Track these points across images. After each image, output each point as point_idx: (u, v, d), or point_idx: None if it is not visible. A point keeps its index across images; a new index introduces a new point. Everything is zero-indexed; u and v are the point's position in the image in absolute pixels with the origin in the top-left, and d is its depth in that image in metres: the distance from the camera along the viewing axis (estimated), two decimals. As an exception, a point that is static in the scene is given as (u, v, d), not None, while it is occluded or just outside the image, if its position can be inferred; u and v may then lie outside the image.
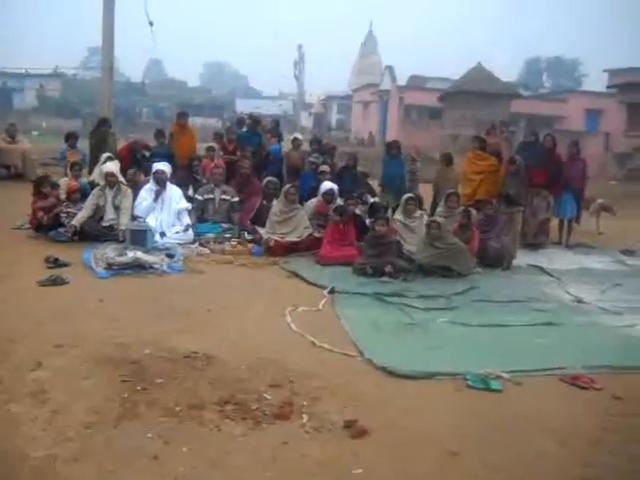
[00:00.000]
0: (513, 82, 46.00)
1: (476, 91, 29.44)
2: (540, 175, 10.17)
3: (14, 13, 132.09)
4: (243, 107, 54.83)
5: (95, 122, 13.42)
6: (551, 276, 8.35)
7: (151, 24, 17.78)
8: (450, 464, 3.45)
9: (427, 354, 5.15)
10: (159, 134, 12.00)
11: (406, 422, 3.90)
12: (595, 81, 49.75)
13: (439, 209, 9.41)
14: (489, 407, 4.19)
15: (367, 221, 9.14)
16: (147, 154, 11.41)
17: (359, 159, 11.97)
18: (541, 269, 8.72)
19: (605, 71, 33.79)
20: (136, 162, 11.11)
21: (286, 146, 12.44)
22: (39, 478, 3.11)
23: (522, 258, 9.14)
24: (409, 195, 9.20)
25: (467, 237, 8.39)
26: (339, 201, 9.20)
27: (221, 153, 11.60)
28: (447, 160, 11.34)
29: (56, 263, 7.19)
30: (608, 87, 32.11)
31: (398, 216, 8.94)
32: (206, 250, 8.57)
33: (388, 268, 7.62)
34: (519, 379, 4.66)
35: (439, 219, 8.50)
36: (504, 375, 4.66)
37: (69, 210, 8.71)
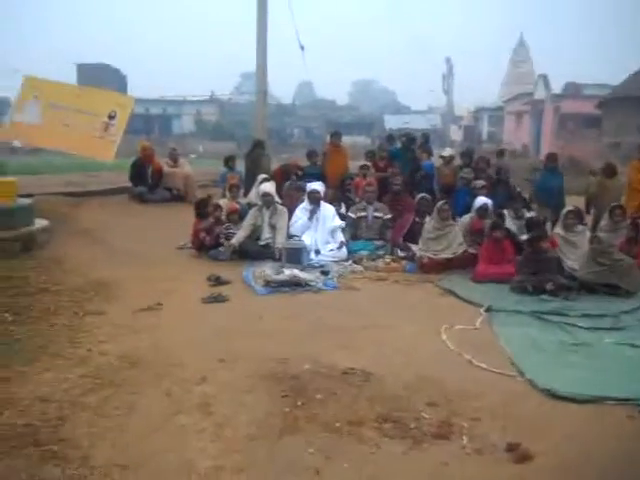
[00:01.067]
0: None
1: (638, 96, 27.80)
2: None
3: (170, 43, 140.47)
4: (392, 123, 55.13)
5: (250, 144, 13.93)
6: None
7: (302, 48, 18.31)
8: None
9: (593, 376, 4.86)
10: (312, 154, 12.28)
11: (573, 448, 3.70)
12: None
13: (603, 222, 8.93)
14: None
15: (523, 237, 8.83)
16: (299, 173, 11.67)
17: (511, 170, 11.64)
18: None
19: None
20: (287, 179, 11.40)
21: (437, 161, 12.34)
22: (207, 487, 3.24)
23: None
24: (569, 208, 8.79)
25: (635, 252, 7.89)
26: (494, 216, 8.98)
27: (372, 171, 11.68)
28: (611, 171, 10.74)
29: (218, 281, 7.51)
30: None
31: (558, 230, 8.57)
32: (360, 267, 8.63)
33: (549, 285, 7.31)
34: (699, 406, 4.30)
35: (602, 234, 8.07)
36: (682, 401, 4.32)
37: (229, 231, 9.09)
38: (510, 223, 9.03)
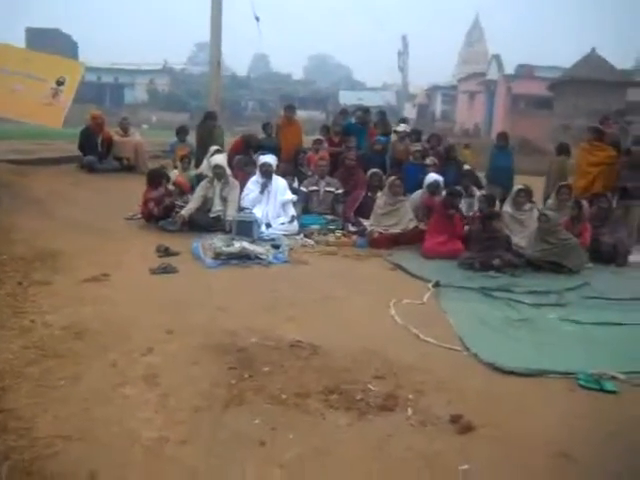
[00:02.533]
0: (629, 70, 43.90)
1: (589, 79, 28.28)
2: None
3: (124, 11, 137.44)
4: (346, 99, 55.04)
5: (202, 116, 13.76)
6: (670, 273, 7.92)
7: (257, 19, 18.11)
8: (562, 466, 3.31)
9: (536, 351, 4.97)
10: (267, 127, 12.17)
11: (515, 420, 3.78)
12: None
13: (550, 201, 9.11)
14: (604, 409, 3.99)
15: (472, 213, 8.95)
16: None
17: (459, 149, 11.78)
18: (659, 266, 8.28)
19: None
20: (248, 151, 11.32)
21: (392, 136, 12.36)
22: (151, 458, 3.20)
23: (638, 254, 8.71)
24: (520, 187, 8.93)
25: (578, 230, 8.07)
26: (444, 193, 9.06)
27: (326, 145, 11.66)
28: (564, 150, 10.93)
29: (166, 252, 7.43)
30: None
31: (507, 208, 8.70)
32: (310, 241, 8.65)
33: (496, 262, 7.44)
34: (636, 381, 4.42)
35: (550, 212, 8.23)
36: (620, 376, 4.43)
37: (178, 203, 9.00)
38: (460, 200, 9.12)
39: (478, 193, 9.70)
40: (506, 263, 7.47)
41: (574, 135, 21.42)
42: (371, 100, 52.82)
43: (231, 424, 3.55)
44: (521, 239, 8.10)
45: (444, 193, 9.05)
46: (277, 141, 11.82)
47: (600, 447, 3.52)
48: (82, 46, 61.71)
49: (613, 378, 4.40)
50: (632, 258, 8.43)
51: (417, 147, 11.01)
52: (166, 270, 6.76)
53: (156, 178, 9.18)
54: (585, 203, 8.55)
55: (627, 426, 3.78)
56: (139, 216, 9.32)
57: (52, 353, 4.40)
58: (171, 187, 9.37)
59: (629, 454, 3.47)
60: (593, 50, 30.33)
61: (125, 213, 9.60)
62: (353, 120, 12.93)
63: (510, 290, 6.72)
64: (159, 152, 15.76)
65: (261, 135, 12.26)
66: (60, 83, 12.93)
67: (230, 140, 13.70)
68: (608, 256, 8.23)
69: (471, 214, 8.94)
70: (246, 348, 4.63)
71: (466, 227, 8.43)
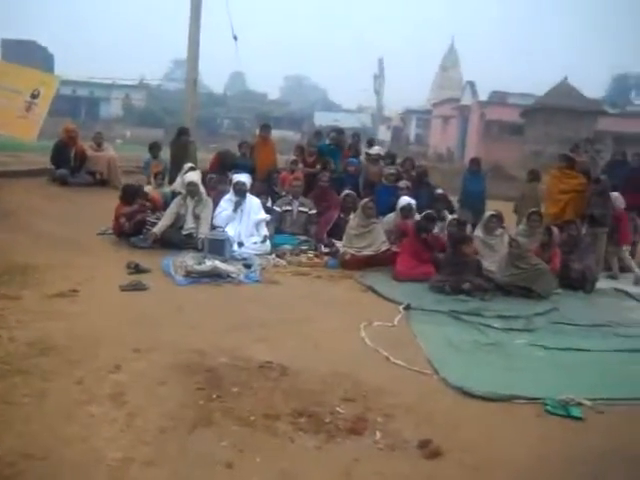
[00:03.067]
0: (599, 99, 44.74)
1: (560, 107, 28.77)
2: (628, 196, 9.84)
3: (102, 25, 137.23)
4: (322, 120, 55.25)
5: (175, 132, 13.73)
6: (637, 301, 8.04)
7: (235, 38, 18.16)
8: (528, 492, 3.34)
9: (505, 376, 5.00)
10: (244, 146, 12.15)
11: (482, 445, 3.79)
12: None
13: (521, 227, 9.20)
14: (570, 435, 4.03)
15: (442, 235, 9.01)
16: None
17: (432, 173, 11.87)
18: (626, 293, 8.40)
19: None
20: (225, 171, 11.32)
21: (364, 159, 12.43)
22: (116, 479, 3.15)
23: (606, 281, 8.83)
24: (492, 212, 9.03)
25: (548, 256, 8.17)
26: (417, 217, 9.12)
27: (301, 166, 11.69)
28: (535, 176, 11.07)
29: (137, 269, 7.36)
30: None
31: (478, 233, 8.77)
32: (282, 261, 8.63)
33: (467, 286, 7.50)
34: (601, 407, 4.47)
35: (520, 238, 8.32)
36: (586, 402, 4.47)
37: (150, 219, 8.94)
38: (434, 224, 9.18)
39: (449, 217, 9.78)
40: (476, 287, 7.53)
41: (545, 162, 21.72)
42: (347, 122, 53.09)
43: (198, 446, 3.51)
44: (491, 264, 8.17)
45: (417, 216, 9.11)
46: (252, 160, 11.81)
47: (565, 473, 3.54)
48: (58, 59, 61.33)
49: (579, 404, 4.44)
50: (599, 285, 8.55)
51: (391, 170, 11.09)
52: (136, 287, 6.70)
53: (132, 194, 9.11)
54: (555, 230, 8.65)
55: (590, 452, 3.82)
56: (111, 231, 9.23)
57: (17, 369, 4.33)
58: (146, 203, 9.30)
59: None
60: (565, 79, 30.88)
61: (97, 228, 9.49)
62: (327, 141, 12.99)
63: (480, 314, 6.76)
64: (133, 167, 15.67)
65: (237, 153, 12.23)
66: (34, 96, 12.86)
67: (205, 157, 13.67)
68: (577, 282, 8.33)
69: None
70: (215, 368, 4.59)
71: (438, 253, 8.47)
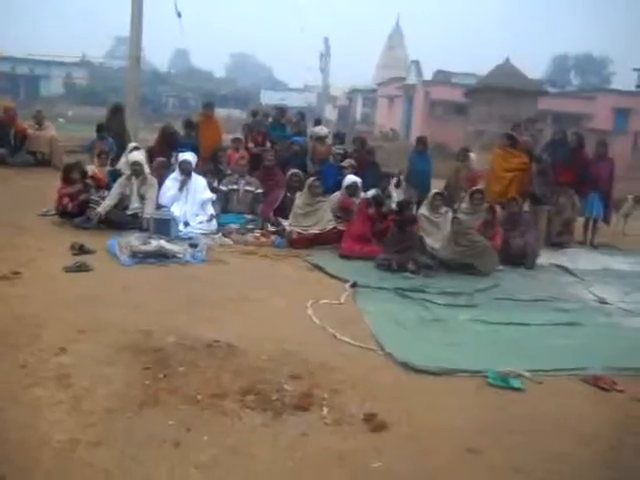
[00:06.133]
0: (540, 79, 45.52)
1: (502, 87, 29.06)
2: (566, 174, 10.10)
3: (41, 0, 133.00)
4: (268, 99, 54.92)
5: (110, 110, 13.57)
6: (575, 276, 8.30)
7: (179, 15, 17.90)
8: (469, 461, 3.45)
9: (448, 350, 5.14)
10: (188, 124, 12.01)
11: (426, 417, 3.90)
12: (624, 79, 49.31)
13: (463, 205, 9.36)
14: (510, 406, 4.18)
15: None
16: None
17: (378, 152, 11.99)
18: (565, 269, 8.67)
19: (635, 70, 33.37)
20: (169, 149, 11.23)
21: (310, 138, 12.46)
22: (61, 461, 3.14)
23: (546, 257, 9.07)
24: (437, 191, 9.17)
25: (490, 234, 8.34)
26: (363, 195, 9.20)
27: (251, 145, 11.64)
28: (461, 154, 11.25)
29: (81, 250, 7.25)
30: (637, 86, 31.70)
31: (423, 211, 8.90)
32: (229, 241, 8.61)
33: (410, 265, 7.61)
34: (540, 378, 4.64)
35: (462, 216, 8.47)
36: (525, 374, 4.63)
37: (93, 198, 8.79)
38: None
39: (395, 194, 9.90)
40: (420, 265, 7.65)
41: (487, 141, 22.04)
42: (293, 101, 52.90)
43: (145, 425, 3.52)
44: (436, 241, 8.31)
45: (362, 195, 9.19)
46: (196, 139, 11.70)
47: (503, 442, 3.67)
48: (-5, 34, 59.41)
49: (519, 376, 4.60)
50: (540, 260, 8.78)
51: (340, 150, 11.14)
52: (80, 268, 6.60)
53: (71, 172, 8.92)
54: (498, 208, 8.83)
55: (529, 421, 3.97)
56: (53, 212, 9.04)
57: (-43, 354, 4.25)
58: (88, 181, 9.13)
59: (527, 447, 3.65)
60: (507, 59, 31.24)
61: (39, 209, 9.28)
62: (270, 119, 12.98)
63: (424, 291, 6.89)
64: (76, 147, 15.35)
65: (181, 132, 12.11)
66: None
67: (150, 137, 13.50)
68: (518, 258, 8.53)
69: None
70: (162, 348, 4.59)
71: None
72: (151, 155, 10.45)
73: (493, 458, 3.49)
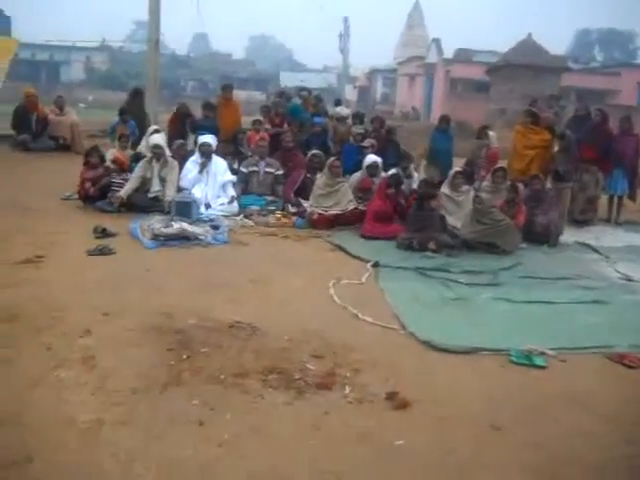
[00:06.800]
0: (563, 55, 44.87)
1: (524, 64, 28.73)
2: (589, 150, 9.96)
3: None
4: (288, 80, 54.69)
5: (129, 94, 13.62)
6: (599, 253, 8.21)
7: (198, -3, 17.83)
8: (491, 439, 3.44)
9: (470, 329, 5.11)
10: (207, 106, 12.00)
11: (448, 396, 3.89)
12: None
13: (485, 183, 9.28)
14: (533, 383, 4.16)
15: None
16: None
17: (399, 131, 11.90)
18: (589, 246, 8.57)
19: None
20: (184, 129, 11.25)
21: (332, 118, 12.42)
22: (87, 441, 3.18)
23: (569, 235, 8.98)
24: (457, 169, 9.10)
25: (513, 212, 8.26)
26: (384, 174, 9.15)
27: (268, 126, 11.62)
28: (478, 132, 11.18)
29: (104, 233, 7.31)
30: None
31: (444, 190, 8.83)
32: (250, 222, 8.63)
33: (431, 244, 7.57)
34: (564, 356, 4.60)
35: (484, 194, 8.40)
36: (549, 352, 4.60)
37: (115, 180, 8.85)
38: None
39: (416, 174, 9.84)
40: (441, 244, 7.60)
41: (509, 118, 21.83)
42: (312, 82, 52.60)
43: (169, 405, 3.55)
44: (457, 220, 8.26)
45: (383, 174, 9.14)
46: (215, 121, 11.70)
47: (525, 419, 3.66)
48: (15, 21, 59.54)
49: (543, 354, 4.57)
50: (563, 238, 8.70)
51: (360, 130, 11.09)
52: (103, 251, 6.66)
53: (91, 156, 8.97)
54: (521, 186, 8.74)
55: (551, 399, 3.95)
56: (76, 196, 9.11)
57: (-17, 337, 4.31)
58: (110, 164, 9.19)
59: (550, 424, 3.63)
60: (529, 36, 30.78)
61: (61, 193, 9.37)
62: (298, 101, 12.93)
63: (446, 270, 6.85)
64: (96, 132, 15.44)
65: (199, 114, 12.13)
66: (-9, 61, 12.55)
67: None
68: (541, 236, 8.45)
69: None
70: (184, 329, 4.62)
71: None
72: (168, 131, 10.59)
73: (515, 435, 3.48)
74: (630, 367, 4.53)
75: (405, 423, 3.53)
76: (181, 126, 11.47)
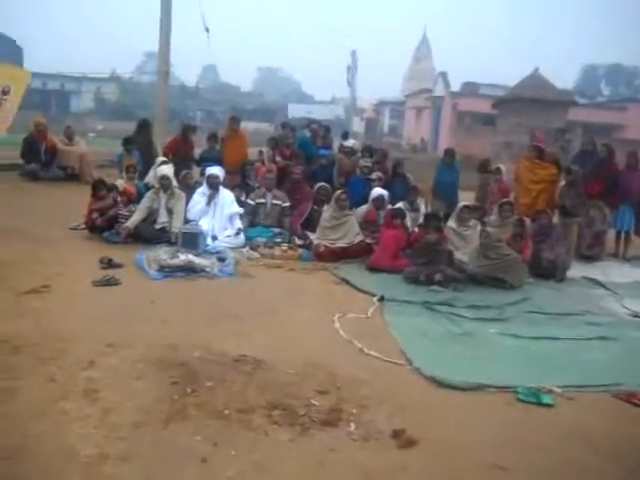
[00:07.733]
0: (570, 90, 45.13)
1: (531, 98, 28.86)
2: (596, 185, 9.96)
3: (72, 16, 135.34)
4: (295, 112, 55.16)
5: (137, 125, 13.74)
6: (607, 289, 8.16)
7: (207, 30, 18.03)
8: (498, 478, 3.39)
9: (477, 365, 5.07)
10: (212, 138, 12.09)
11: (455, 434, 3.85)
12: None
13: (492, 217, 9.28)
14: (539, 422, 4.11)
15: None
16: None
17: (406, 164, 11.91)
18: (596, 282, 8.52)
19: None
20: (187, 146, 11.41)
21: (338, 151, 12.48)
22: (89, 475, 3.15)
23: (576, 270, 8.94)
24: (465, 204, 9.10)
25: (520, 247, 8.24)
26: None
27: (279, 158, 11.67)
28: (480, 166, 11.23)
29: (110, 264, 7.31)
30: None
31: (451, 224, 8.84)
32: (256, 254, 8.62)
33: (438, 277, 7.55)
34: (571, 394, 4.55)
35: (491, 229, 8.39)
36: (556, 389, 4.56)
37: (122, 212, 8.87)
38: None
39: (423, 207, 9.85)
40: (448, 278, 7.58)
41: (515, 152, 21.84)
42: (320, 113, 52.98)
43: (173, 440, 3.52)
44: (464, 254, 8.24)
45: (389, 207, 9.15)
46: (220, 153, 11.76)
47: (532, 458, 3.61)
48: (27, 51, 60.43)
49: (550, 392, 4.52)
50: (570, 273, 8.66)
51: (367, 163, 11.12)
52: (109, 282, 6.66)
53: (98, 189, 9.02)
54: (528, 221, 8.73)
55: (559, 438, 3.90)
56: (83, 226, 9.14)
57: (-15, 368, 4.28)
58: (118, 197, 9.22)
59: (556, 464, 3.58)
60: (536, 70, 30.99)
61: (69, 223, 9.40)
62: (307, 134, 13.01)
63: (452, 304, 6.82)
64: (105, 162, 15.53)
65: (204, 147, 12.23)
66: (5, 92, 12.70)
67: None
68: (548, 271, 8.42)
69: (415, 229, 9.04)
70: (189, 362, 4.59)
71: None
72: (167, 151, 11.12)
73: (520, 475, 3.43)
74: (638, 406, 4.47)
75: (410, 462, 3.48)
76: (184, 144, 11.67)
